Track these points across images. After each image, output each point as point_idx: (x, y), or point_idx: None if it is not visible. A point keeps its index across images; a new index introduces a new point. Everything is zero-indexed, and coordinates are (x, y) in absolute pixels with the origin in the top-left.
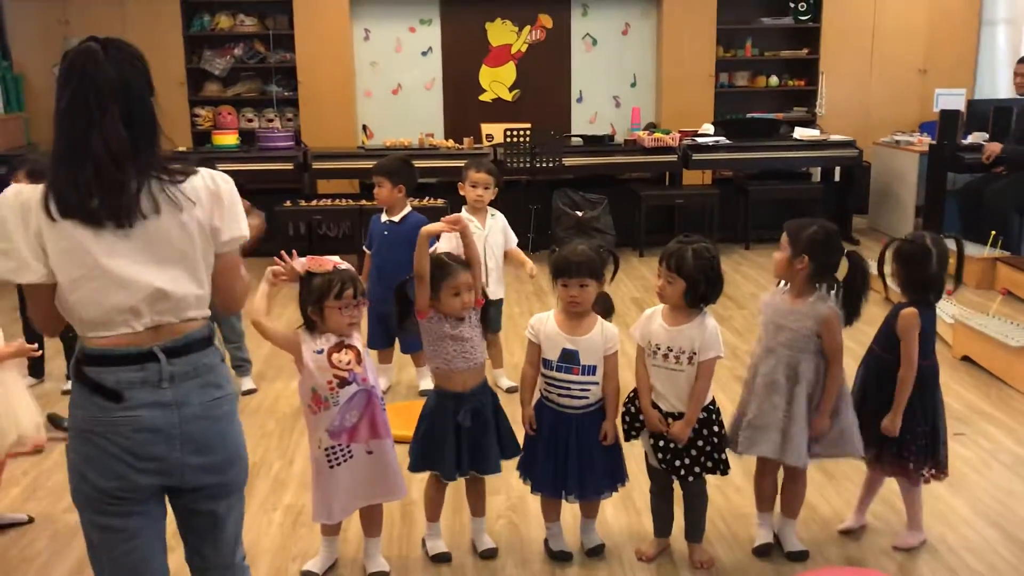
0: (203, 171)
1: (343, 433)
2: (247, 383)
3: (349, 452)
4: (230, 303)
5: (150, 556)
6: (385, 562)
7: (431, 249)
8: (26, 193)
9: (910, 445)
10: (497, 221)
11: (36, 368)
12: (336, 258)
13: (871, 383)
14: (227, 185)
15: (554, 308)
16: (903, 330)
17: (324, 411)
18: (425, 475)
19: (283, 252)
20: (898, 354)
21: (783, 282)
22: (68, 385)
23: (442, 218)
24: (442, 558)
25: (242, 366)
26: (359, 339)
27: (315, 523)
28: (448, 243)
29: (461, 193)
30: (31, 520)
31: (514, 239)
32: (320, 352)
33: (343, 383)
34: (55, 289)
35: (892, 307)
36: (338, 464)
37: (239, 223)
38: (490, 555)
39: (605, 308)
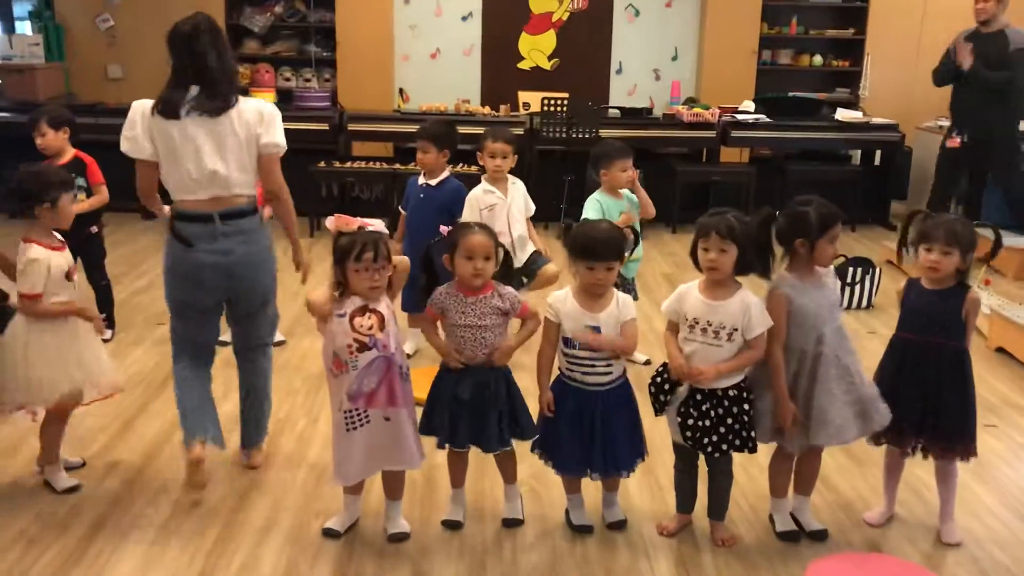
0: (254, 99)
1: (360, 397)
2: (276, 335)
3: (367, 416)
4: (270, 187)
5: (206, 333)
6: (406, 524)
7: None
8: (146, 103)
9: (972, 423)
10: (518, 188)
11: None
12: (365, 220)
13: (908, 368)
14: (270, 108)
15: (570, 286)
16: (971, 313)
17: (344, 374)
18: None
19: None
20: (943, 337)
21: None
22: (108, 334)
23: None
24: (451, 524)
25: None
26: (388, 305)
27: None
28: (473, 217)
29: (480, 163)
30: (83, 464)
31: (532, 206)
32: (343, 315)
33: (363, 347)
34: (157, 166)
35: (930, 292)
36: (355, 428)
37: (274, 134)
38: (513, 524)
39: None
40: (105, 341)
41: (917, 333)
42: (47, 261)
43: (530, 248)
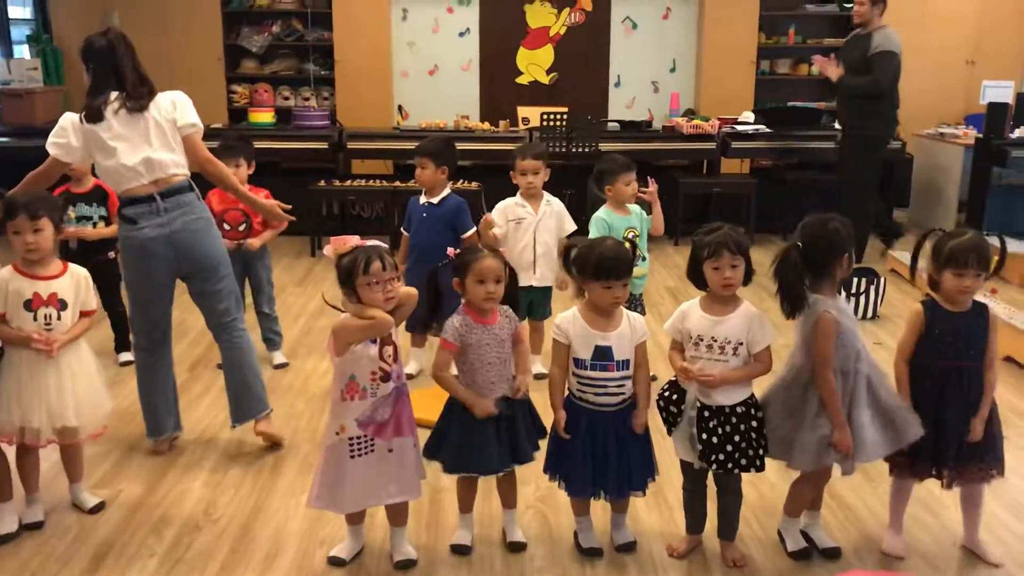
0: (167, 92)
1: (371, 425)
2: (278, 357)
3: (371, 446)
4: (196, 160)
5: (159, 312)
6: (412, 550)
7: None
8: (73, 115)
9: (1000, 443)
10: (552, 207)
11: (122, 344)
12: (357, 237)
13: (950, 396)
14: (181, 96)
15: (578, 305)
16: (994, 331)
17: (358, 400)
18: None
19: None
20: (978, 360)
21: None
22: (123, 357)
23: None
24: (460, 549)
25: (273, 339)
26: (396, 333)
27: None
28: (499, 228)
29: (514, 182)
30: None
31: (571, 226)
32: (374, 342)
33: (386, 377)
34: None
35: (957, 316)
36: (359, 455)
37: (188, 115)
38: (518, 548)
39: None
40: (127, 364)
41: (953, 359)
42: (5, 284)
43: (550, 268)
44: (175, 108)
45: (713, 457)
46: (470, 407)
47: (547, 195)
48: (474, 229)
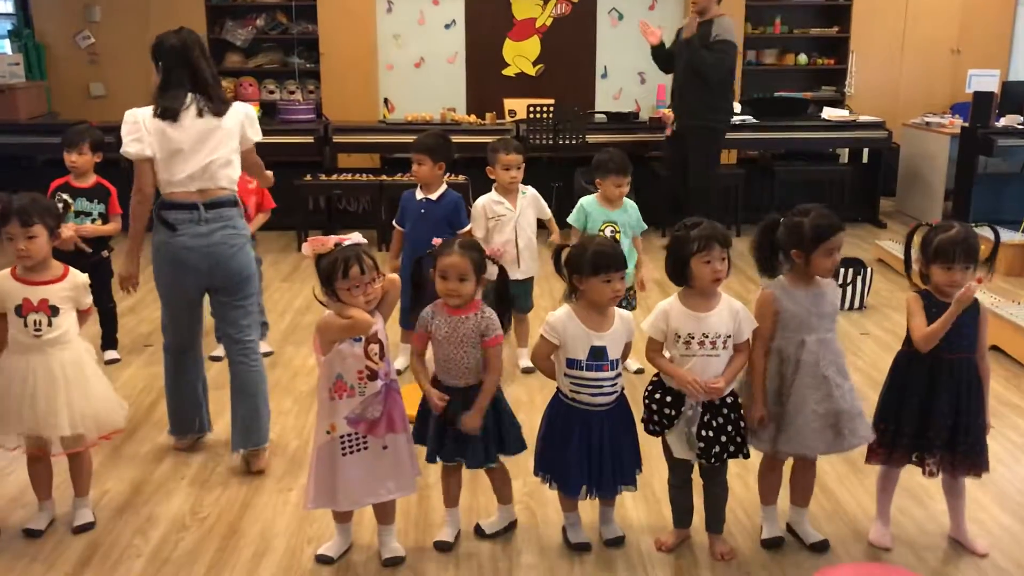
0: (239, 103)
1: (362, 423)
2: (263, 346)
3: (364, 443)
4: (257, 177)
5: (191, 322)
6: (400, 547)
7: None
8: (140, 110)
9: (984, 438)
10: (528, 198)
11: (108, 342)
12: (338, 236)
13: (942, 386)
14: (252, 109)
15: (569, 304)
16: (983, 323)
17: (347, 398)
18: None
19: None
20: (969, 351)
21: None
22: (109, 355)
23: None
24: (442, 546)
25: (259, 329)
26: (382, 328)
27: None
28: (479, 230)
29: (491, 176)
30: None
31: (547, 211)
32: (358, 340)
33: (373, 375)
34: (153, 164)
35: (964, 308)
36: (351, 452)
37: (257, 131)
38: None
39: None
40: (112, 362)
41: (945, 350)
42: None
43: (535, 260)
44: (248, 122)
45: (712, 451)
46: (426, 396)
47: (521, 186)
48: (470, 226)
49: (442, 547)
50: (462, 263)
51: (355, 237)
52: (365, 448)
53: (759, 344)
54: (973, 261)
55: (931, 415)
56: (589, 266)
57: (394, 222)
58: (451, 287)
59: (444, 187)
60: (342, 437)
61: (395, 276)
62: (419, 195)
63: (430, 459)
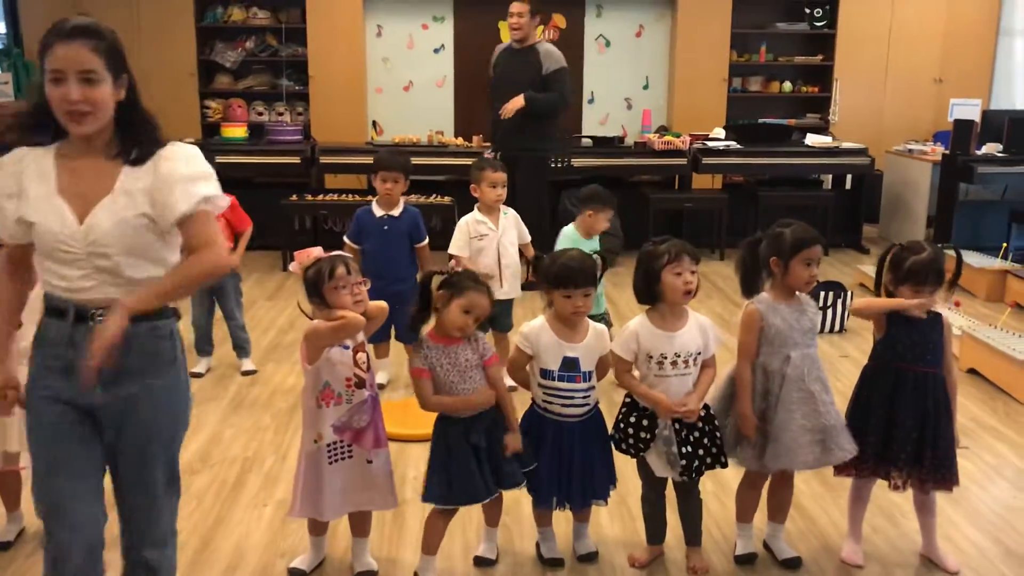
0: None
1: (348, 432)
2: (247, 364)
3: (350, 452)
4: None
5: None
6: (373, 562)
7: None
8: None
9: (952, 452)
10: (510, 219)
11: None
12: (319, 248)
13: (904, 399)
14: None
15: (544, 315)
16: (948, 339)
17: (334, 406)
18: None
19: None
20: (934, 366)
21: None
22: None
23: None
24: (481, 561)
25: (243, 347)
26: (364, 343)
27: (296, 519)
28: (463, 249)
29: (475, 195)
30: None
31: (527, 235)
32: (347, 347)
33: (360, 383)
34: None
35: (915, 321)
36: (337, 461)
37: None
38: (483, 562)
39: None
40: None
41: (910, 363)
42: None
43: (517, 280)
44: None
45: (694, 466)
46: (464, 407)
47: (502, 206)
48: (427, 240)
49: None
50: (488, 306)
51: (336, 252)
52: (350, 457)
53: (745, 361)
54: (940, 284)
55: (895, 428)
56: (552, 279)
57: (346, 238)
58: (469, 324)
59: (402, 202)
60: (329, 446)
61: (383, 303)
62: (378, 212)
63: (482, 500)
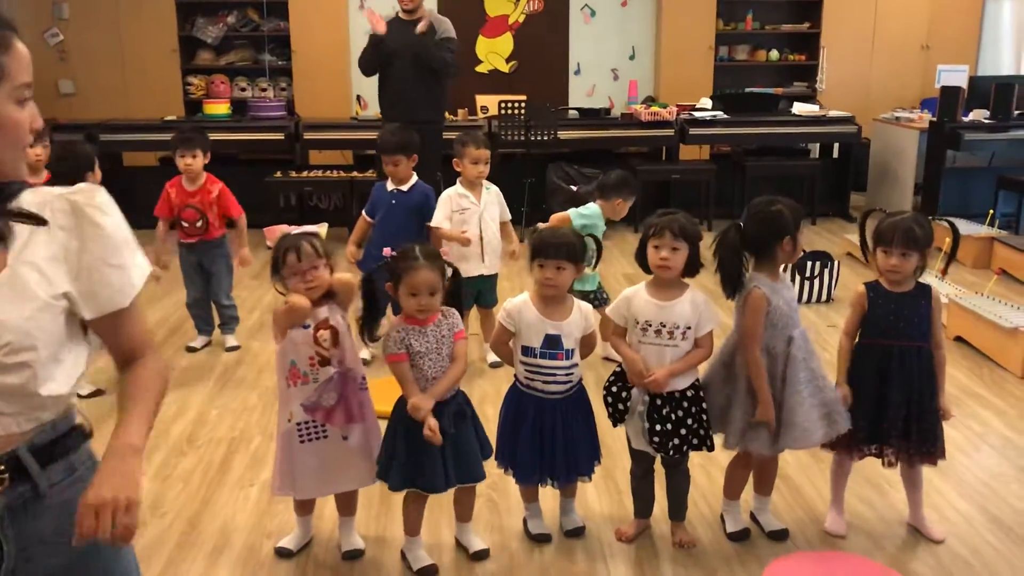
0: None
1: (319, 411)
2: (230, 340)
3: (324, 431)
4: None
5: None
6: (360, 540)
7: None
8: None
9: (939, 426)
10: (492, 194)
11: None
12: (293, 227)
13: (892, 375)
14: None
15: (528, 291)
16: (937, 312)
17: (302, 386)
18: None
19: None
20: (920, 340)
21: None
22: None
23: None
24: (429, 571)
25: (229, 324)
26: (342, 317)
27: (278, 497)
28: (443, 221)
29: (457, 169)
30: None
31: (507, 213)
32: (307, 327)
33: (324, 361)
34: None
35: (897, 296)
36: (309, 440)
37: None
38: (482, 556)
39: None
40: None
41: (894, 339)
42: None
43: (497, 255)
44: None
45: (670, 443)
46: (449, 387)
47: (485, 181)
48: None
49: (430, 572)
50: (432, 277)
51: (314, 228)
52: (325, 437)
53: (755, 345)
54: (913, 248)
55: (886, 406)
56: (532, 249)
57: (364, 211)
58: (423, 303)
59: (414, 178)
60: (299, 425)
61: (346, 277)
62: (390, 186)
63: (440, 490)
